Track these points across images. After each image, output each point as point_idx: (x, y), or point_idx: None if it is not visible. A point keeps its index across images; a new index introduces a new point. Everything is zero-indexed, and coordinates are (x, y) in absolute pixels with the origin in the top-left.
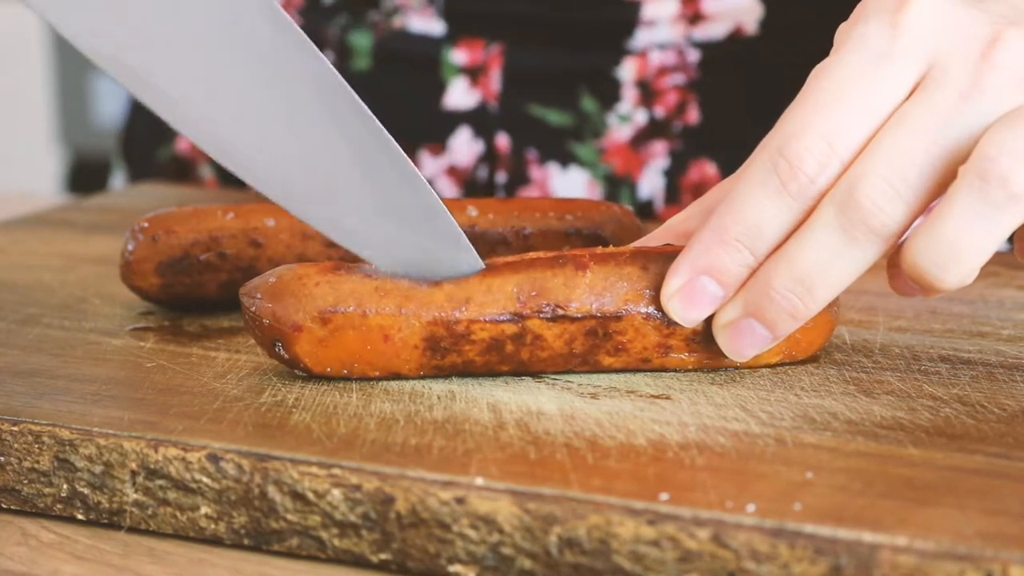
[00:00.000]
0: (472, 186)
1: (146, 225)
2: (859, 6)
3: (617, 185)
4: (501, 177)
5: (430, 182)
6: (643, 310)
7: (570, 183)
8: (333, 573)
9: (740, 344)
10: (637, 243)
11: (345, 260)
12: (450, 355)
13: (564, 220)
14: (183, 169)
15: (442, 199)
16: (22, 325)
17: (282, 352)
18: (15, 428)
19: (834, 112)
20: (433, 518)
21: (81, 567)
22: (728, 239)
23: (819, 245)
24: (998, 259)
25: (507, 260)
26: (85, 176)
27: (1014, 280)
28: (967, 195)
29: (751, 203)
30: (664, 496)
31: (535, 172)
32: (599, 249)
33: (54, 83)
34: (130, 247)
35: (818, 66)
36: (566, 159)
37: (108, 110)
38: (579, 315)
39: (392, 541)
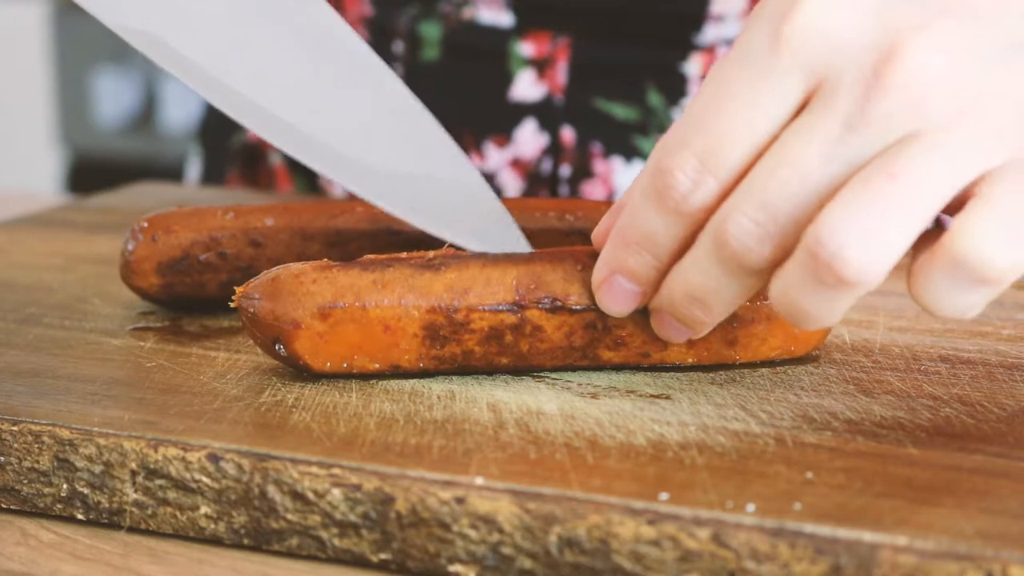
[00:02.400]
0: (536, 179)
1: (146, 225)
2: (757, 5)
3: None
4: (565, 170)
5: (495, 174)
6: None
7: (634, 177)
8: (333, 573)
9: (666, 332)
10: None
11: (343, 260)
12: (450, 344)
13: (564, 220)
14: (253, 157)
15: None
16: (22, 325)
17: (282, 351)
18: (15, 428)
19: (708, 128)
20: (433, 518)
21: (81, 567)
22: (629, 243)
23: (701, 271)
24: None
25: (507, 253)
26: (85, 176)
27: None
28: (800, 268)
29: (641, 213)
30: (664, 496)
31: (599, 166)
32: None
33: (54, 83)
34: (130, 247)
35: (713, 66)
36: (631, 153)
37: (108, 110)
38: (578, 307)
39: (392, 541)
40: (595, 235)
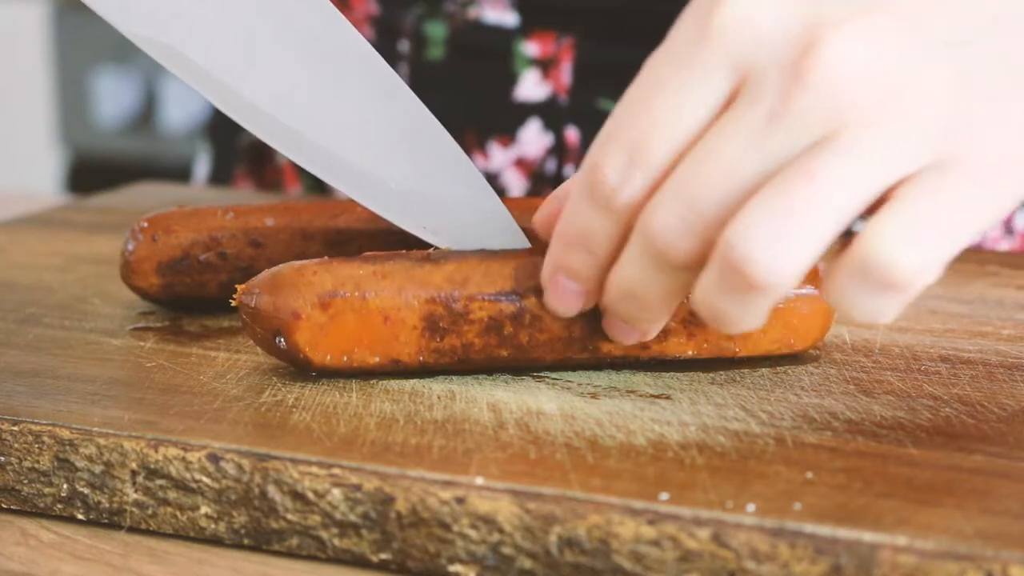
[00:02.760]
0: (540, 179)
1: (146, 225)
2: None
3: None
4: (569, 170)
5: (499, 174)
6: None
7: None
8: (333, 573)
9: (615, 332)
10: None
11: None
12: (449, 336)
13: None
14: (260, 154)
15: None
16: (22, 325)
17: (282, 343)
18: (15, 428)
19: (636, 121)
20: (433, 518)
21: (81, 567)
22: (568, 241)
23: (634, 266)
24: (998, 259)
25: (507, 249)
26: (85, 176)
27: (1014, 280)
28: (714, 272)
29: (577, 209)
30: (664, 496)
31: None
32: None
33: (54, 83)
34: (130, 247)
35: (648, 60)
36: None
37: (108, 110)
38: None
39: (392, 541)
40: (535, 220)
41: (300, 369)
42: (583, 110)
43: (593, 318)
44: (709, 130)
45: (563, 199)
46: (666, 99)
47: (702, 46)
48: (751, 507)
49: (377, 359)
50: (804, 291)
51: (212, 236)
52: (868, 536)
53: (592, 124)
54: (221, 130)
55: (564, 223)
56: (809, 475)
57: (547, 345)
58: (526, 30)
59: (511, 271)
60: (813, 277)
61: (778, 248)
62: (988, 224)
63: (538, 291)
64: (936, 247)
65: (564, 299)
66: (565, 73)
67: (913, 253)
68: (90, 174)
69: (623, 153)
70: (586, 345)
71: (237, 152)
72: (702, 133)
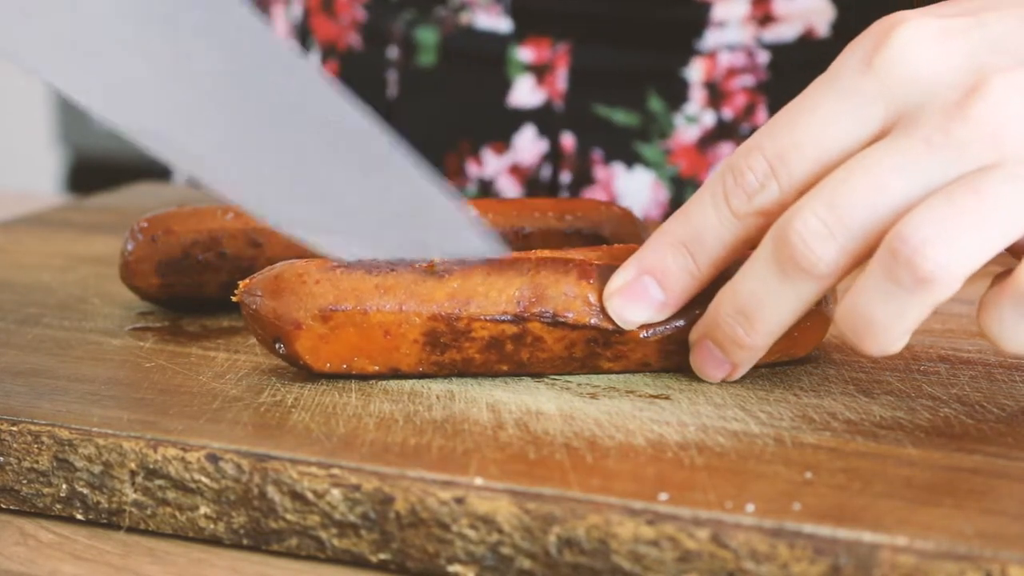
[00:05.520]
0: (535, 185)
1: (146, 225)
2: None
3: (683, 187)
4: (565, 177)
5: (493, 181)
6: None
7: (635, 184)
8: (333, 573)
9: (702, 364)
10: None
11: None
12: (450, 351)
13: (564, 220)
14: None
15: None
16: (22, 325)
17: (282, 349)
18: (14, 428)
19: (783, 136)
20: (432, 518)
21: (80, 567)
22: (673, 241)
23: (757, 277)
24: (998, 259)
25: (514, 257)
26: (85, 176)
27: None
28: (878, 270)
29: (698, 209)
30: (663, 496)
31: (600, 172)
32: (603, 249)
33: None
34: (130, 247)
35: (811, 84)
36: (632, 160)
37: None
38: (579, 324)
39: (391, 541)
40: None
41: (300, 371)
42: (578, 116)
43: (595, 343)
44: (862, 151)
45: None
46: (816, 120)
47: (863, 78)
48: (750, 507)
49: (376, 368)
50: None
51: (212, 236)
52: (868, 536)
53: (587, 130)
54: None
55: (674, 222)
56: (808, 475)
57: (547, 362)
58: (520, 36)
59: (515, 292)
60: None
61: (951, 247)
62: None
63: (541, 315)
64: None
65: (640, 304)
66: (560, 79)
67: None
68: (90, 174)
69: (766, 163)
70: (585, 363)
71: None
72: (845, 159)
